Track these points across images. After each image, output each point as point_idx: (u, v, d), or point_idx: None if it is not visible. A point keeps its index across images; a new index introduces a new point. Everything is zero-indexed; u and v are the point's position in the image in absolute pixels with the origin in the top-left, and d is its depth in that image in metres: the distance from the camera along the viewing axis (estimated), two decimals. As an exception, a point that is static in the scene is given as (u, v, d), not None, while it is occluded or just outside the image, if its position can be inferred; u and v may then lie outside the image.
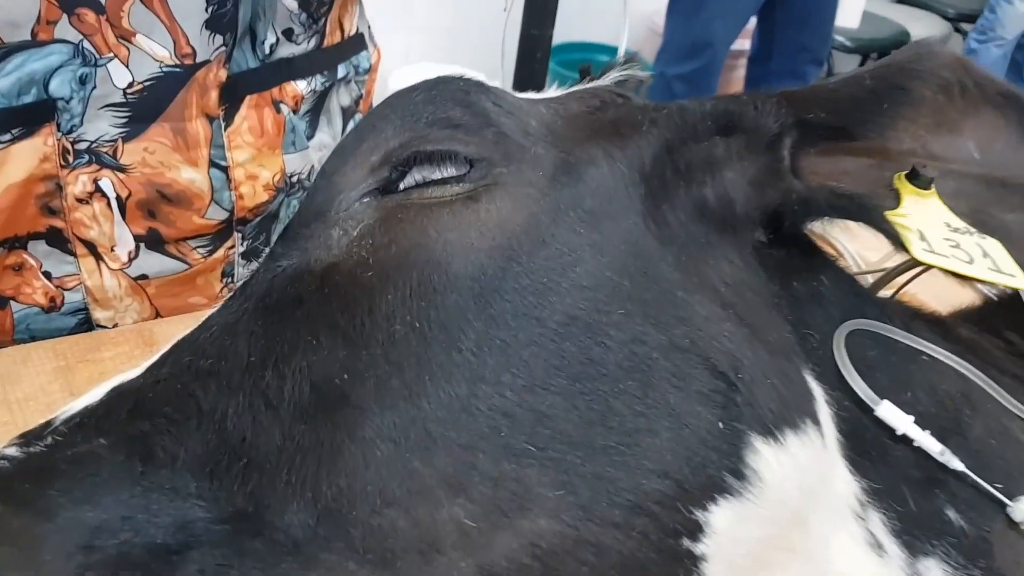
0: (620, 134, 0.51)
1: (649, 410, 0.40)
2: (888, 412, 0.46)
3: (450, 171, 0.46)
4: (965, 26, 3.85)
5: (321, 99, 0.90)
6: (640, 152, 0.50)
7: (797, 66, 2.83)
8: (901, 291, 0.69)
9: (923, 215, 0.50)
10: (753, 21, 2.88)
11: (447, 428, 0.38)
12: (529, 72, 1.50)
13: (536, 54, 1.44)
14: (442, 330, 0.41)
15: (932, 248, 0.49)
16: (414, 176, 0.46)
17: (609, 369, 0.41)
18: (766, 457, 0.41)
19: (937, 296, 0.77)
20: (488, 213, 0.44)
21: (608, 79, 0.59)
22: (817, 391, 0.46)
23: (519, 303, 0.42)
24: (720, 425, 0.40)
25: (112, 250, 0.79)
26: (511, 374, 0.40)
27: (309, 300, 0.43)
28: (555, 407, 0.40)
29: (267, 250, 0.49)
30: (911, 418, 0.46)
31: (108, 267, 0.80)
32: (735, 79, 3.16)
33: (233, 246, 0.86)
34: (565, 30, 2.73)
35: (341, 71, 0.91)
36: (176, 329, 0.47)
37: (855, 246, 0.90)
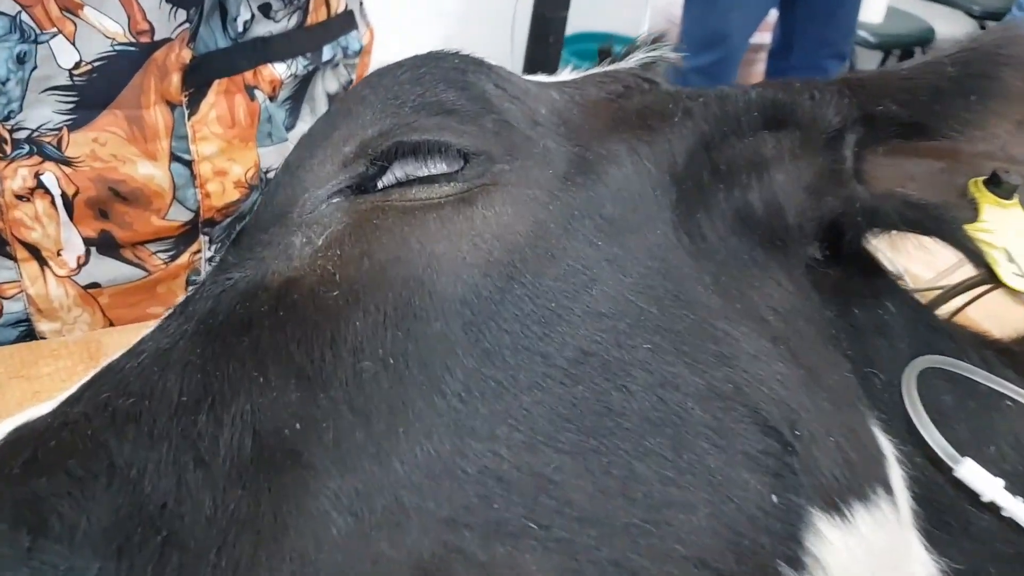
0: (647, 126, 0.43)
1: (683, 477, 0.32)
2: (971, 473, 0.38)
3: (440, 167, 0.38)
4: (991, 24, 3.75)
5: (303, 85, 0.81)
6: (671, 148, 0.42)
7: (818, 61, 2.74)
8: (956, 314, 0.60)
9: (1007, 230, 0.42)
10: (774, 14, 2.79)
11: (424, 497, 0.30)
12: (542, 57, 1.39)
13: (549, 37, 1.34)
14: (422, 368, 0.32)
15: (1024, 271, 0.41)
16: (395, 172, 0.38)
17: (632, 422, 0.32)
18: (830, 540, 0.32)
19: (992, 316, 0.69)
20: (485, 220, 0.36)
21: (632, 61, 0.51)
22: (887, 448, 0.37)
23: (520, 334, 0.34)
24: (773, 498, 0.32)
25: (58, 254, 0.70)
26: (508, 426, 0.32)
27: (260, 324, 0.35)
28: (563, 471, 0.31)
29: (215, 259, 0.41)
30: (1000, 481, 0.38)
31: (54, 273, 0.70)
32: (754, 73, 3.06)
33: (199, 250, 0.76)
34: (581, 19, 2.63)
35: (327, 53, 0.82)
36: (129, 340, 0.38)
37: (900, 259, 0.81)
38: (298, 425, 0.31)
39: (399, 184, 0.38)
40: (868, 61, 3.48)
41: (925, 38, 3.48)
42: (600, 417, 0.32)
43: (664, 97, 0.45)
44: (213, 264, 0.41)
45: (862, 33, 3.24)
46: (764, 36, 2.93)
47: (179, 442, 0.32)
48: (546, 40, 1.34)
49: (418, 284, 0.34)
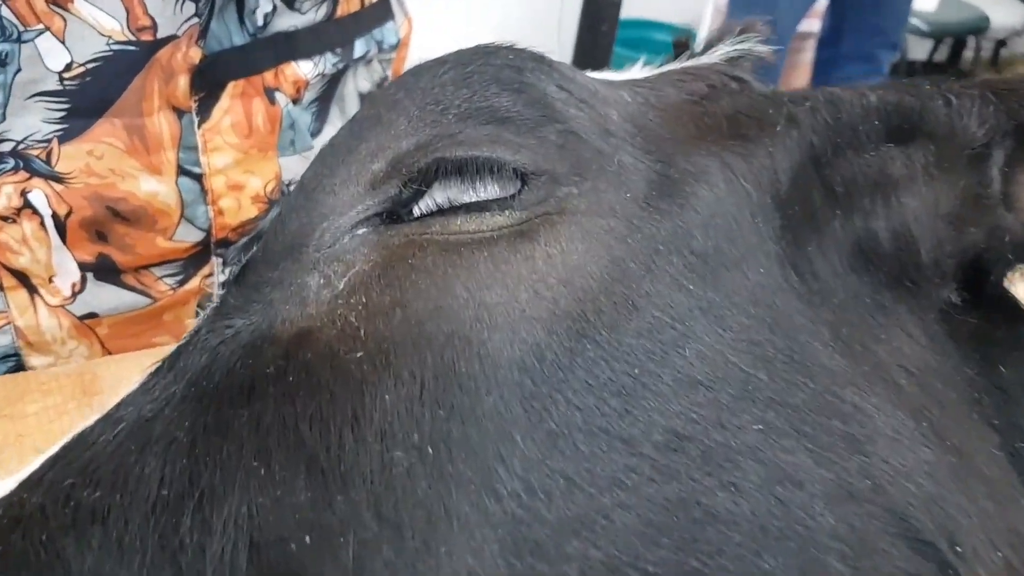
0: (741, 136, 0.35)
1: (813, 613, 0.24)
2: None
3: (491, 190, 0.31)
4: (1047, 12, 3.60)
5: (332, 84, 0.72)
6: (773, 164, 0.34)
7: (870, 50, 2.65)
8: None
9: None
10: (822, 1, 2.69)
11: (473, 642, 0.23)
12: (592, 46, 1.28)
13: (602, 25, 1.23)
14: (470, 460, 0.25)
15: None
16: (436, 197, 0.31)
17: (743, 533, 0.25)
18: None
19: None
20: (549, 259, 0.29)
21: (715, 56, 0.43)
22: (1057, 555, 0.29)
23: (595, 411, 0.26)
24: (933, 645, 0.24)
25: (50, 281, 0.63)
26: (582, 541, 0.24)
27: (264, 392, 0.28)
28: (655, 605, 0.24)
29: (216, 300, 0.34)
30: None
31: (45, 303, 0.63)
32: (802, 62, 2.95)
33: (211, 274, 0.68)
34: (628, 4, 2.53)
35: (359, 48, 0.73)
36: (128, 372, 0.32)
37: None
38: (308, 538, 0.24)
39: (440, 212, 0.30)
40: (919, 50, 3.35)
41: (979, 27, 3.36)
42: (702, 527, 0.25)
43: (760, 100, 0.37)
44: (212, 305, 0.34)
45: (914, 21, 3.13)
46: (812, 24, 2.83)
47: (155, 555, 0.25)
48: (598, 27, 1.23)
49: (464, 344, 0.27)
